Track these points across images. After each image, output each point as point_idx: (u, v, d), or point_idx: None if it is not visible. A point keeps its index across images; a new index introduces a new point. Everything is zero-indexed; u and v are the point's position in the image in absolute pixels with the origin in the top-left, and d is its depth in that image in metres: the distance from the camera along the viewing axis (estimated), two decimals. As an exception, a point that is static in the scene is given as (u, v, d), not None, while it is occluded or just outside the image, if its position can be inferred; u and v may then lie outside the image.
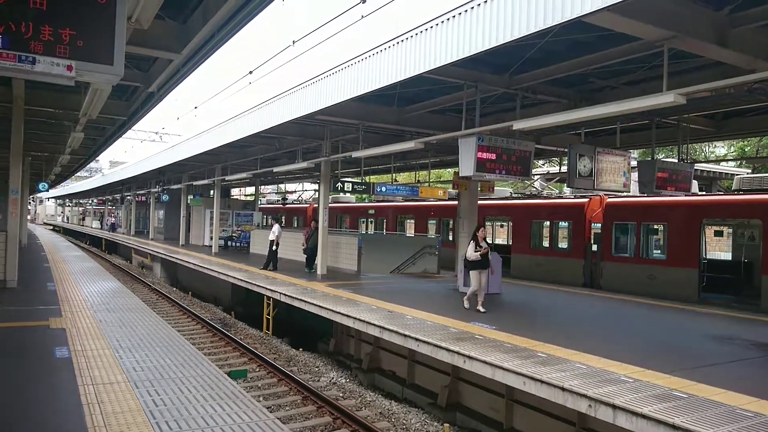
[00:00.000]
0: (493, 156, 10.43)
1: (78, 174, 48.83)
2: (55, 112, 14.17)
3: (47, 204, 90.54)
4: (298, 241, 21.54)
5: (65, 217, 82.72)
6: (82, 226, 63.89)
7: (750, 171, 25.42)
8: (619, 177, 11.49)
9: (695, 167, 14.22)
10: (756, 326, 10.35)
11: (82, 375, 6.38)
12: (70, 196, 67.01)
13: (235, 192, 44.71)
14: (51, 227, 72.48)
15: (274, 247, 17.68)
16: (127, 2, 4.73)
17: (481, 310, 10.74)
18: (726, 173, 24.54)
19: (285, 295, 13.13)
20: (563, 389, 6.22)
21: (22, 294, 12.10)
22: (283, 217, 37.25)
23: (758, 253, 14.24)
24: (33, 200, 72.08)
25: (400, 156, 20.43)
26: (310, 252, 17.42)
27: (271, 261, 17.72)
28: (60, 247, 30.42)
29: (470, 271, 11.04)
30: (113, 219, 48.29)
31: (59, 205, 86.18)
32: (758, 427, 5.11)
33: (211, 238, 26.88)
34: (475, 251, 10.83)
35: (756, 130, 14.91)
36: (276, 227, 18.06)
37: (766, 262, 13.52)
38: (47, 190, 41.25)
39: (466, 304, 11.09)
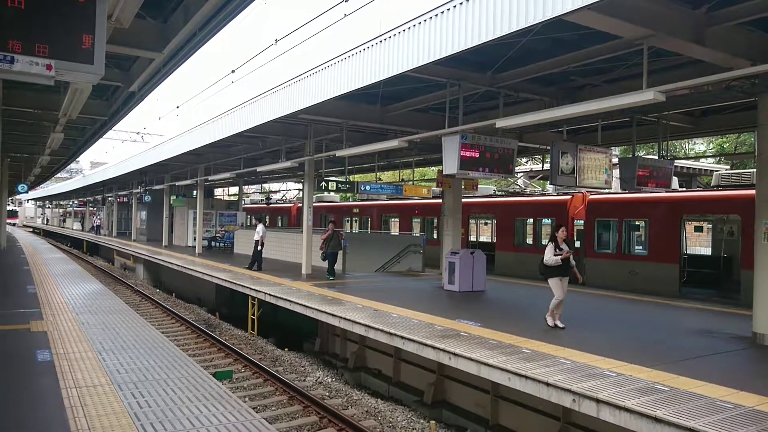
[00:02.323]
0: (477, 154, 10.49)
1: (58, 175, 48.14)
2: (34, 113, 13.96)
3: (27, 206, 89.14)
4: (282, 241, 21.50)
5: (45, 219, 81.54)
6: (63, 227, 63.04)
7: (728, 167, 25.80)
8: (600, 174, 11.61)
9: (675, 164, 14.40)
10: (736, 320, 10.51)
11: (65, 378, 6.31)
12: (51, 198, 66.08)
13: (218, 192, 44.39)
14: (31, 229, 71.47)
15: (258, 247, 17.59)
16: (107, 1, 4.67)
17: (560, 325, 9.20)
18: (705, 170, 24.89)
19: (270, 295, 13.08)
20: (548, 384, 6.28)
21: (1, 297, 11.92)
22: (267, 217, 37.11)
23: (737, 247, 14.47)
24: (12, 202, 70.91)
25: (384, 155, 20.46)
26: (331, 257, 15.59)
27: (256, 261, 17.63)
28: (40, 249, 30.00)
29: (549, 279, 9.23)
30: (99, 221, 46.64)
31: (39, 206, 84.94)
32: (737, 418, 5.20)
33: (195, 239, 26.69)
34: (555, 254, 9.12)
35: (734, 127, 15.15)
36: (260, 227, 17.96)
37: (745, 257, 13.74)
38: (26, 192, 40.62)
39: (550, 322, 9.31)
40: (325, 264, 15.65)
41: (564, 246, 9.27)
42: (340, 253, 17.36)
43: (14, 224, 72.82)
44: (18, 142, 19.31)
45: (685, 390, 5.97)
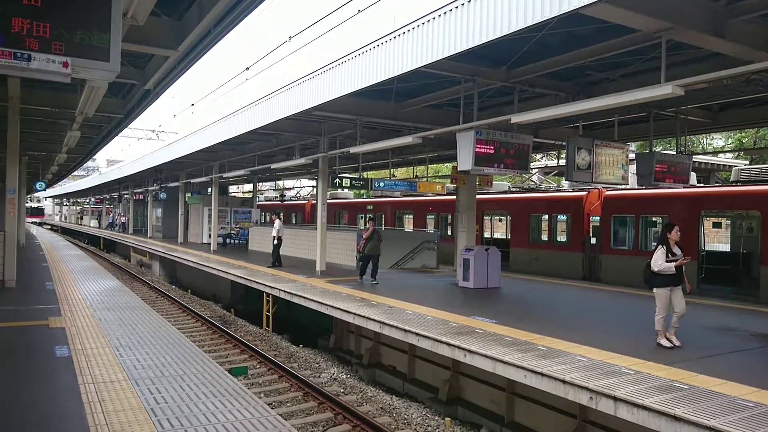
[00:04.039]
0: (492, 150, 10.42)
1: (75, 173, 48.62)
2: (51, 111, 14.12)
3: (45, 203, 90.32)
4: (297, 237, 21.54)
5: (63, 217, 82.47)
6: (80, 225, 63.71)
7: (748, 162, 25.44)
8: (617, 170, 11.48)
9: (693, 159, 14.22)
10: (755, 317, 10.37)
11: (83, 374, 6.37)
12: (68, 196, 66.82)
13: (232, 189, 44.62)
14: (49, 227, 72.15)
15: (275, 242, 17.59)
16: (123, -1, 4.69)
17: (677, 343, 7.67)
18: (724, 165, 24.56)
19: (284, 291, 13.12)
20: (564, 382, 6.22)
21: (20, 294, 12.08)
22: (282, 214, 37.27)
23: (756, 244, 14.26)
24: (30, 199, 71.38)
25: (398, 151, 20.41)
26: (367, 259, 14.35)
27: (276, 258, 17.62)
28: (58, 246, 30.35)
29: (656, 290, 7.72)
30: (124, 218, 44.94)
31: (57, 204, 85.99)
32: (759, 417, 5.11)
33: (210, 236, 26.86)
34: (668, 260, 7.64)
35: (753, 121, 14.92)
36: (277, 222, 17.98)
37: (764, 253, 13.54)
38: (44, 190, 41.08)
39: (665, 343, 7.71)
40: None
41: (677, 250, 7.81)
42: (353, 249, 17.29)
43: (40, 223, 71.72)
44: (36, 140, 19.54)
45: (705, 388, 5.88)
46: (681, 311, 7.67)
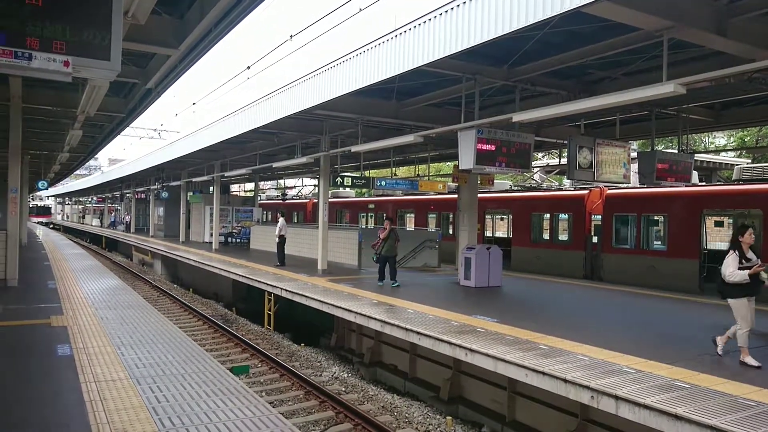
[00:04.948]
0: (493, 148, 10.42)
1: (77, 172, 48.63)
2: (53, 110, 14.13)
3: (47, 202, 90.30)
4: (298, 236, 21.54)
5: (65, 215, 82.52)
6: (83, 224, 63.76)
7: (750, 161, 25.39)
8: (619, 168, 11.47)
9: (695, 158, 14.18)
10: (757, 316, 10.30)
11: (84, 372, 6.38)
12: (70, 195, 66.84)
13: (234, 188, 44.61)
14: (51, 225, 72.15)
15: (279, 240, 17.57)
16: (124, -3, 4.69)
17: (754, 363, 6.67)
18: (726, 163, 24.53)
19: (286, 290, 13.12)
20: (566, 381, 6.22)
21: (23, 292, 12.10)
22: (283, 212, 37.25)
23: (759, 243, 14.22)
24: (32, 198, 71.19)
25: (399, 150, 20.40)
26: (384, 261, 13.63)
27: (281, 257, 17.59)
28: (60, 245, 30.40)
29: (731, 300, 6.90)
30: (128, 217, 44.18)
31: (59, 203, 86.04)
32: (761, 416, 5.10)
33: (212, 235, 26.88)
34: (741, 266, 6.76)
35: (755, 120, 14.89)
36: (281, 221, 17.97)
37: (767, 252, 13.49)
38: (46, 189, 41.10)
39: (749, 359, 6.75)
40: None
41: (752, 255, 6.93)
42: (354, 248, 17.26)
43: (47, 223, 70.93)
44: (38, 139, 19.56)
45: (707, 387, 5.88)
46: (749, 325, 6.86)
